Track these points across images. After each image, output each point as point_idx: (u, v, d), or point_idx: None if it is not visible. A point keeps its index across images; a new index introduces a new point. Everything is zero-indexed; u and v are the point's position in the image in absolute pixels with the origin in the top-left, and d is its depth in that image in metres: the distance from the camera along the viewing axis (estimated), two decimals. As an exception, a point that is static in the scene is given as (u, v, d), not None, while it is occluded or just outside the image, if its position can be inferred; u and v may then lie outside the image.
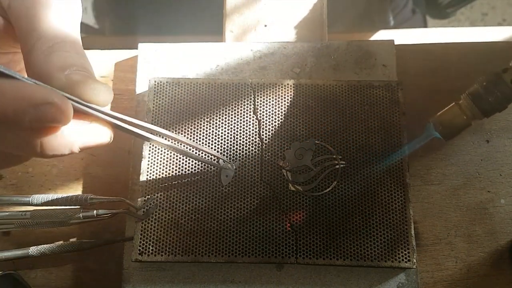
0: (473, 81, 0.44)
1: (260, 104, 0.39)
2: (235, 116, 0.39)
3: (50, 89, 0.22)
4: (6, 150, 0.24)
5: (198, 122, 0.38)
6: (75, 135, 0.24)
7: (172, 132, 0.39)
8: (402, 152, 0.36)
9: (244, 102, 0.39)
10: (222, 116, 0.39)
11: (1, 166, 0.26)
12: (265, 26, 0.45)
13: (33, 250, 0.38)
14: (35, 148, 0.23)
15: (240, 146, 0.38)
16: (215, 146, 0.38)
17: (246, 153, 0.38)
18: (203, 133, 0.38)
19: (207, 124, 0.38)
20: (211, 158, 0.37)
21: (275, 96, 0.39)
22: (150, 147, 0.38)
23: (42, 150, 0.23)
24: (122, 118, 0.27)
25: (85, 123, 0.25)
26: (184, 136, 0.38)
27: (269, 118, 0.38)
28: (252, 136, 0.38)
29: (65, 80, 0.23)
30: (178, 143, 0.35)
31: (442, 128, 0.30)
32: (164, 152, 0.38)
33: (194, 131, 0.38)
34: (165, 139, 0.30)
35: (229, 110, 0.39)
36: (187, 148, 0.36)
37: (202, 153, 0.37)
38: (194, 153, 0.35)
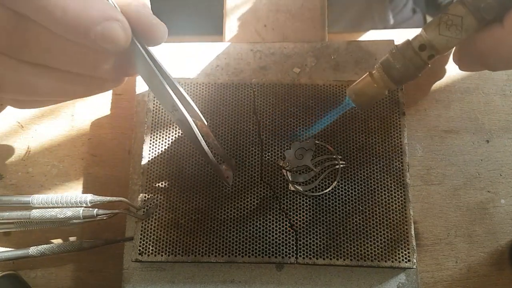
0: (473, 81, 0.44)
1: (260, 104, 0.39)
2: (235, 116, 0.39)
3: (117, 9, 0.23)
4: (62, 66, 0.24)
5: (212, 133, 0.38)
6: (120, 65, 0.26)
7: (176, 130, 0.38)
8: (323, 122, 0.36)
9: (244, 102, 0.39)
10: (222, 116, 0.39)
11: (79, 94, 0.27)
12: (265, 26, 0.45)
13: (33, 250, 0.38)
14: (87, 61, 0.24)
15: (240, 146, 0.38)
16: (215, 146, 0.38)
17: (246, 153, 0.38)
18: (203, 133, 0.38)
19: (207, 124, 0.38)
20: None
21: (275, 96, 0.39)
22: (150, 147, 0.38)
23: (94, 65, 0.24)
24: (167, 75, 0.28)
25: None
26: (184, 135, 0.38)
27: (269, 118, 0.38)
28: (252, 136, 0.38)
29: (129, 13, 0.24)
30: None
31: (356, 97, 0.30)
32: (164, 152, 0.38)
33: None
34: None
35: (229, 110, 0.39)
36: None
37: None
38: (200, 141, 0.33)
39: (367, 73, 0.30)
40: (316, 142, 0.37)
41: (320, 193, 0.36)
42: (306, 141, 0.37)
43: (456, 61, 0.27)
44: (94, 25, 0.22)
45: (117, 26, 0.22)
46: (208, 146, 0.31)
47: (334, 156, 0.37)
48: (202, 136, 0.31)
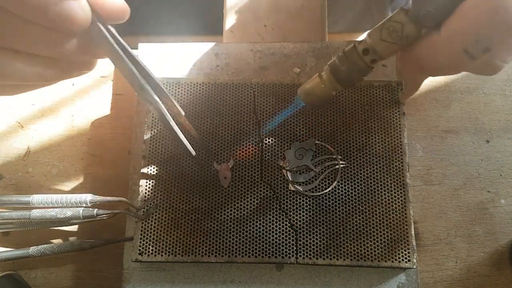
0: (473, 81, 0.44)
1: (260, 104, 0.39)
2: (235, 116, 0.39)
3: None
4: (22, 48, 0.25)
5: (198, 122, 0.38)
6: (82, 45, 0.26)
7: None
8: (275, 121, 0.36)
9: (244, 102, 0.39)
10: (222, 116, 0.39)
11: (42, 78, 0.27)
12: (265, 26, 0.45)
13: (33, 250, 0.38)
14: (49, 46, 0.24)
15: (240, 146, 0.38)
16: (215, 146, 0.38)
17: (246, 153, 0.38)
18: (203, 133, 0.38)
19: (207, 124, 0.38)
20: (205, 157, 0.37)
21: (275, 96, 0.39)
22: (150, 147, 0.38)
23: (55, 50, 0.25)
24: (133, 56, 0.28)
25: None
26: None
27: (269, 118, 0.38)
28: (252, 136, 0.38)
29: None
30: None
31: (305, 96, 0.31)
32: (164, 152, 0.38)
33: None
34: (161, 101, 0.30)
35: (229, 110, 0.39)
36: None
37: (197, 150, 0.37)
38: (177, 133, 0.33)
39: (317, 74, 0.30)
40: (316, 142, 0.37)
41: (320, 193, 0.36)
42: (306, 141, 0.37)
43: (399, 66, 0.28)
44: (52, 5, 0.22)
45: (75, 5, 0.23)
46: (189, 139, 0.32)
47: (334, 156, 0.37)
48: (182, 130, 0.32)
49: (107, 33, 0.27)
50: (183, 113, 0.34)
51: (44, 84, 0.30)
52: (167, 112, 0.30)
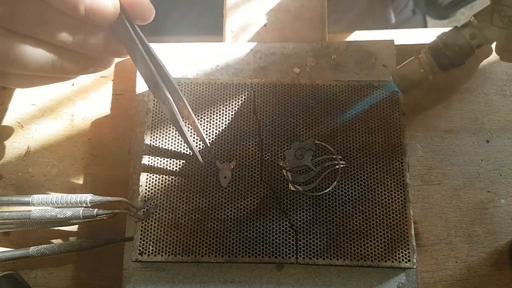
0: (473, 81, 0.44)
1: (260, 104, 0.39)
2: (235, 116, 0.39)
3: None
4: (52, 39, 0.25)
5: (198, 122, 0.38)
6: (109, 40, 0.27)
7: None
8: (364, 104, 0.36)
9: (244, 102, 0.39)
10: (222, 116, 0.39)
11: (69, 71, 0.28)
12: (265, 26, 0.45)
13: (33, 250, 0.38)
14: (79, 35, 0.25)
15: (240, 146, 0.38)
16: (215, 146, 0.38)
17: (246, 153, 0.38)
18: (203, 133, 0.38)
19: (207, 124, 0.38)
20: (208, 156, 0.37)
21: (275, 96, 0.39)
22: (150, 147, 0.38)
23: (83, 45, 0.26)
24: (151, 52, 0.30)
25: None
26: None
27: (269, 118, 0.38)
28: (252, 136, 0.38)
29: None
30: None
31: (400, 81, 0.30)
32: (164, 152, 0.38)
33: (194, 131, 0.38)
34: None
35: (229, 110, 0.39)
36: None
37: (198, 145, 0.37)
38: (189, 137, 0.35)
39: (413, 57, 0.30)
40: (316, 142, 0.37)
41: (320, 193, 0.36)
42: (306, 141, 0.37)
43: (499, 51, 0.27)
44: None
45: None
46: (195, 140, 0.34)
47: (334, 156, 0.37)
48: (190, 131, 0.33)
49: (132, 31, 0.27)
50: (193, 115, 0.35)
51: (60, 79, 0.30)
52: (178, 112, 0.31)
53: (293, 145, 0.37)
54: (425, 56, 0.28)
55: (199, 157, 0.36)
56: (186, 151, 0.38)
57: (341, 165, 0.37)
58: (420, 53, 0.29)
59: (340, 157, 0.37)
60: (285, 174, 0.37)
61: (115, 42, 0.28)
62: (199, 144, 0.38)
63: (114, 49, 0.28)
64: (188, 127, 0.37)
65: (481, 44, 0.26)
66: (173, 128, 0.38)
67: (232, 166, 0.37)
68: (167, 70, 0.31)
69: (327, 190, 0.36)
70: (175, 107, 0.31)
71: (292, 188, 0.36)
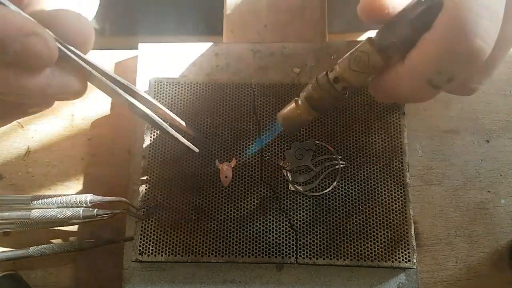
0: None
1: (260, 104, 0.39)
2: (235, 116, 0.39)
3: (38, 23, 0.22)
4: None
5: (198, 122, 0.38)
6: (50, 78, 0.23)
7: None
8: (256, 145, 0.37)
9: (244, 102, 0.39)
10: (222, 116, 0.39)
11: None
12: (265, 26, 0.45)
13: (33, 250, 0.38)
14: (11, 86, 0.22)
15: (240, 146, 0.38)
16: (215, 146, 0.38)
17: (246, 153, 0.38)
18: (203, 133, 0.38)
19: (207, 124, 0.38)
20: (208, 158, 0.37)
21: (275, 96, 0.39)
22: (150, 147, 0.38)
23: (19, 89, 0.22)
24: (106, 72, 0.27)
25: (60, 71, 0.24)
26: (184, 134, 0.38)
27: (269, 118, 0.38)
28: (252, 136, 0.38)
29: (46, 13, 0.23)
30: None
31: (284, 122, 0.31)
32: (164, 152, 0.38)
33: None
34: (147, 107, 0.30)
35: (229, 110, 0.39)
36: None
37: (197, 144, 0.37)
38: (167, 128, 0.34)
39: (294, 100, 0.31)
40: (316, 142, 0.37)
41: (320, 193, 0.36)
42: (306, 141, 0.37)
43: (372, 93, 0.28)
44: (12, 42, 0.20)
45: (37, 41, 0.21)
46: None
47: (334, 156, 0.37)
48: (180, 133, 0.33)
49: (76, 59, 0.24)
50: (176, 117, 0.34)
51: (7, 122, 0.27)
52: (160, 119, 0.31)
53: (293, 145, 0.37)
54: (300, 100, 0.30)
55: (193, 147, 0.35)
56: (186, 151, 0.38)
57: (341, 165, 0.37)
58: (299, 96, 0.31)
59: (340, 157, 0.37)
60: (285, 174, 0.37)
61: (60, 78, 0.24)
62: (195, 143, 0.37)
63: (59, 85, 0.24)
64: (177, 129, 0.36)
65: (346, 87, 0.27)
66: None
67: (233, 165, 0.37)
68: (131, 86, 0.29)
69: (327, 190, 0.36)
70: (155, 115, 0.30)
71: (292, 188, 0.36)
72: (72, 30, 0.24)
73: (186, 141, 0.34)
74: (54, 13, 0.23)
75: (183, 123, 0.35)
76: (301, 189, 0.36)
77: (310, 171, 0.37)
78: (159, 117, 0.31)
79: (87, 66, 0.25)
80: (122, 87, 0.28)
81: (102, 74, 0.26)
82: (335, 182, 0.37)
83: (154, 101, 0.32)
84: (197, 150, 0.35)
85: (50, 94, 0.24)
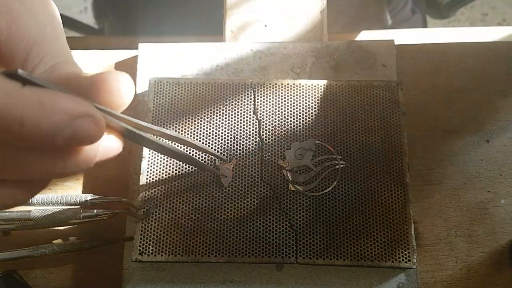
0: (473, 81, 0.44)
1: (260, 104, 0.39)
2: (235, 116, 0.39)
3: (83, 99, 0.18)
4: (19, 177, 0.20)
5: (198, 122, 0.38)
6: (95, 150, 0.21)
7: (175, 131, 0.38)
8: None
9: (244, 102, 0.39)
10: (222, 116, 0.39)
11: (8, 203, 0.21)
12: (265, 26, 0.45)
13: (33, 250, 0.38)
14: (55, 169, 0.19)
15: (240, 146, 0.38)
16: (215, 146, 0.38)
17: (246, 153, 0.38)
18: (203, 133, 0.38)
19: (207, 124, 0.38)
20: (209, 160, 0.37)
21: (275, 96, 0.39)
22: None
23: (64, 169, 0.19)
24: (141, 124, 0.25)
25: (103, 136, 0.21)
26: (184, 134, 0.38)
27: (269, 118, 0.38)
28: (252, 136, 0.38)
29: (89, 80, 0.20)
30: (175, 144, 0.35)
31: None
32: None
33: (194, 131, 0.38)
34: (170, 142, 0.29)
35: (229, 110, 0.39)
36: (186, 150, 0.36)
37: (200, 156, 0.37)
38: (193, 156, 0.35)
39: None
40: (316, 142, 0.37)
41: (320, 193, 0.36)
42: (306, 141, 0.37)
43: None
44: (60, 130, 0.17)
45: (88, 122, 0.18)
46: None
47: (334, 156, 0.37)
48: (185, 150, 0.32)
49: (116, 120, 0.22)
50: (175, 134, 0.32)
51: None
52: (168, 144, 0.28)
53: (293, 145, 0.37)
54: None
55: (209, 167, 0.35)
56: (186, 151, 0.38)
57: (341, 165, 0.37)
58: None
59: (340, 157, 0.37)
60: (285, 174, 0.37)
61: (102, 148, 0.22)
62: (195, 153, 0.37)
63: (102, 154, 0.22)
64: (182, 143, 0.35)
65: None
66: (172, 128, 0.38)
67: (232, 166, 0.37)
68: (141, 122, 0.27)
69: (327, 190, 0.36)
70: (161, 142, 0.27)
71: (292, 188, 0.36)
72: (115, 95, 0.21)
73: (198, 161, 0.33)
74: (99, 79, 0.20)
75: (186, 139, 0.33)
76: (301, 189, 0.36)
77: (310, 171, 0.37)
78: (163, 140, 0.29)
79: (124, 124, 0.23)
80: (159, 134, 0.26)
81: (138, 127, 0.24)
82: (335, 182, 0.37)
83: (151, 126, 0.29)
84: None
85: (93, 162, 0.21)
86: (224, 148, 0.38)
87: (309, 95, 0.39)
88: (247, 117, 0.39)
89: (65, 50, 0.23)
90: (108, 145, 0.23)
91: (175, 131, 0.38)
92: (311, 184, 0.37)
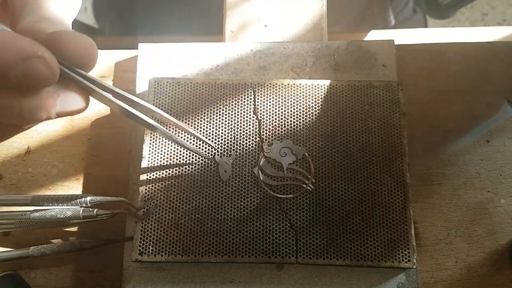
0: (473, 81, 0.44)
1: (260, 104, 0.39)
2: (235, 116, 0.39)
3: (39, 44, 0.21)
4: None
5: (198, 122, 0.38)
6: (54, 99, 0.23)
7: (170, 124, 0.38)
8: (479, 130, 0.37)
9: (244, 102, 0.39)
10: (222, 116, 0.39)
11: None
12: (265, 26, 0.45)
13: (33, 250, 0.38)
14: (13, 109, 0.22)
15: (240, 146, 0.38)
16: (215, 146, 0.38)
17: (246, 153, 0.38)
18: (203, 133, 0.38)
19: (207, 124, 0.38)
20: (207, 150, 0.37)
21: (275, 96, 0.39)
22: (150, 147, 0.38)
23: (21, 111, 0.22)
24: (107, 86, 0.27)
25: (63, 89, 0.24)
26: (184, 136, 0.38)
27: (269, 118, 0.38)
28: (252, 136, 0.38)
29: (49, 35, 0.22)
30: (170, 128, 0.36)
31: None
32: (164, 152, 0.38)
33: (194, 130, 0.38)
34: (154, 119, 0.31)
35: (229, 110, 0.39)
36: (181, 136, 0.37)
37: (197, 144, 0.37)
38: (189, 142, 0.36)
39: None
40: (305, 154, 0.37)
41: (271, 192, 0.36)
42: (298, 146, 0.37)
43: None
44: (12, 67, 0.20)
45: (39, 62, 0.20)
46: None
47: (309, 177, 0.37)
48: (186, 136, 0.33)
49: (79, 78, 0.24)
50: (179, 122, 0.35)
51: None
52: (165, 129, 0.32)
53: (285, 141, 0.37)
54: None
55: (204, 154, 0.36)
56: (186, 151, 0.38)
57: (308, 187, 0.36)
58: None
59: (313, 181, 0.37)
60: (260, 158, 0.37)
61: (61, 99, 0.24)
62: (198, 144, 0.38)
63: (61, 105, 0.25)
64: (183, 135, 0.37)
65: None
66: (172, 128, 0.38)
67: (232, 161, 0.37)
68: (132, 97, 0.30)
69: (282, 196, 0.36)
70: (160, 126, 0.31)
71: (255, 173, 0.37)
72: (75, 50, 0.23)
73: (194, 147, 0.34)
74: (57, 34, 0.23)
75: (187, 127, 0.36)
76: (261, 178, 0.36)
77: (280, 171, 0.37)
78: (161, 122, 0.32)
79: (89, 83, 0.25)
80: (123, 98, 0.29)
81: (104, 89, 0.27)
82: (291, 196, 0.36)
83: (154, 108, 0.33)
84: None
85: (53, 113, 0.24)
86: (224, 148, 0.38)
87: (309, 95, 0.39)
88: (247, 117, 0.39)
89: (50, 8, 0.25)
90: (71, 100, 0.25)
91: (175, 132, 0.38)
92: (273, 181, 0.37)
